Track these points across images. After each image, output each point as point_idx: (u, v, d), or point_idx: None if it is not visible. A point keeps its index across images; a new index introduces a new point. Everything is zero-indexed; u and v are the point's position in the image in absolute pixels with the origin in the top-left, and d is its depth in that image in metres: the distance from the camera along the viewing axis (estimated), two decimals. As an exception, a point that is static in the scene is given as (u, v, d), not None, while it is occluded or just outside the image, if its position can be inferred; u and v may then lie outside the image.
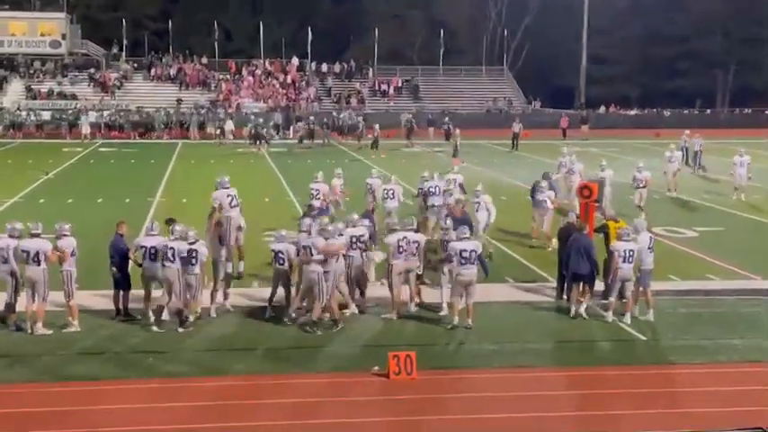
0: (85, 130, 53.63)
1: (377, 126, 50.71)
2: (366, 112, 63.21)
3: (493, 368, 14.02)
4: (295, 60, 72.29)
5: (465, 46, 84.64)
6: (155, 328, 15.46)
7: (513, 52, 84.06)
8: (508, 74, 77.78)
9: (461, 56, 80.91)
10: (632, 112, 74.88)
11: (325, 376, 13.54)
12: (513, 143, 50.26)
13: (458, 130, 46.20)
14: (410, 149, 49.72)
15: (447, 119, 55.12)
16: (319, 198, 22.80)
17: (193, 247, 15.61)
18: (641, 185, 27.16)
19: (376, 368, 13.61)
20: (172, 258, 15.48)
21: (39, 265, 15.38)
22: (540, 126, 62.47)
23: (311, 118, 55.19)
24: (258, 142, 47.95)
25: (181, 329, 15.46)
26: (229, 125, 55.15)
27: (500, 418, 11.98)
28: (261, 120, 52.26)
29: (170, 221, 16.71)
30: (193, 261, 15.58)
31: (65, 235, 15.84)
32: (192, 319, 15.88)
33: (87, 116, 56.00)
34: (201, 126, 56.69)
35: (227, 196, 18.22)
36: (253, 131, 49.07)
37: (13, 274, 15.61)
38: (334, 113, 59.72)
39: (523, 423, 11.68)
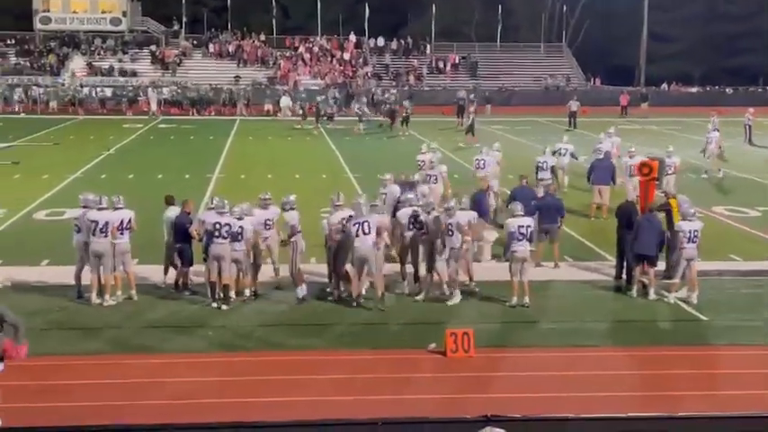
0: (154, 106, 54.77)
1: (406, 102, 48.94)
2: (424, 89, 63.06)
3: (551, 347, 13.95)
4: (352, 37, 72.22)
5: (523, 23, 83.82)
6: (214, 305, 15.62)
7: (572, 29, 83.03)
8: (567, 51, 76.90)
9: (519, 33, 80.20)
10: (693, 90, 73.65)
11: (382, 353, 13.57)
12: (570, 121, 49.52)
13: (472, 108, 45.07)
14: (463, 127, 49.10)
15: (473, 95, 53.46)
16: (425, 170, 23.18)
17: (241, 223, 15.73)
18: (669, 172, 25.22)
19: (433, 345, 13.61)
20: (225, 235, 15.59)
21: (105, 236, 15.63)
22: (599, 103, 61.70)
23: (392, 97, 52.53)
24: (319, 121, 47.03)
25: (224, 307, 15.57)
26: (285, 101, 55.35)
27: (558, 397, 11.91)
28: (322, 97, 51.28)
29: (169, 199, 16.85)
30: (239, 237, 15.69)
31: (118, 207, 16.08)
32: (247, 293, 16.04)
33: (156, 92, 56.76)
34: (249, 102, 56.92)
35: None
36: (314, 109, 48.23)
37: (87, 244, 15.88)
38: (374, 90, 59.15)
39: (582, 402, 11.59)
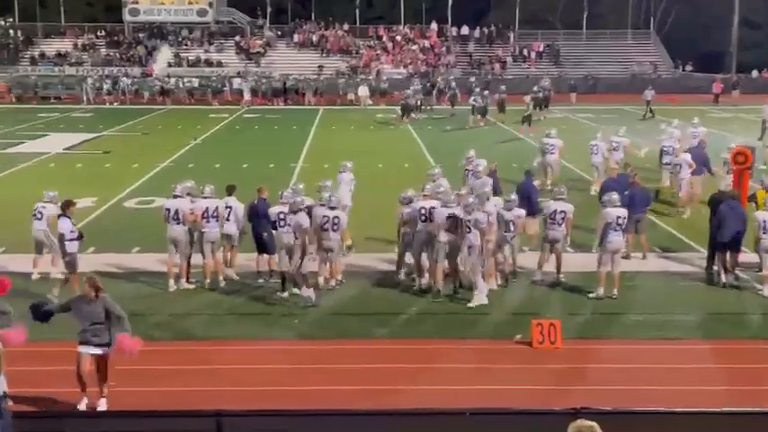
0: (247, 96, 55.62)
1: (484, 91, 46.45)
2: (507, 78, 62.56)
3: (638, 339, 13.72)
4: (435, 26, 72.00)
5: (609, 9, 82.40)
6: (285, 294, 15.74)
7: (661, 15, 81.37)
8: (655, 37, 75.41)
9: (605, 19, 78.83)
10: (787, 77, 71.52)
11: (468, 343, 13.52)
12: (647, 110, 48.02)
13: (527, 98, 43.48)
14: (551, 116, 48.17)
15: (538, 86, 50.57)
16: (554, 153, 23.05)
17: (336, 213, 15.78)
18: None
19: (519, 336, 13.51)
20: (290, 223, 15.67)
21: (178, 224, 15.92)
22: (689, 91, 60.45)
23: (502, 87, 49.19)
24: (406, 115, 45.40)
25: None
26: (364, 91, 55.43)
27: (647, 391, 11.69)
28: (411, 92, 48.48)
29: (230, 188, 16.95)
30: (335, 228, 15.75)
31: (205, 197, 16.38)
32: (333, 283, 16.12)
33: (247, 83, 57.46)
34: (316, 92, 57.39)
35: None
36: (402, 105, 46.52)
37: (189, 231, 16.22)
38: (440, 78, 58.38)
39: (672, 396, 11.35)
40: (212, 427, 7.82)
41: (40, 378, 11.45)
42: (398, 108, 46.88)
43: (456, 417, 8.12)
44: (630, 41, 74.43)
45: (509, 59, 69.11)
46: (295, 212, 15.32)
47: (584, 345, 13.46)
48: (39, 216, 16.67)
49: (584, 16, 73.64)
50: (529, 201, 17.40)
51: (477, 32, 72.61)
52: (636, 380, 12.13)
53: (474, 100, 44.55)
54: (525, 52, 70.22)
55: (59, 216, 15.40)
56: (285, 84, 58.02)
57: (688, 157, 22.62)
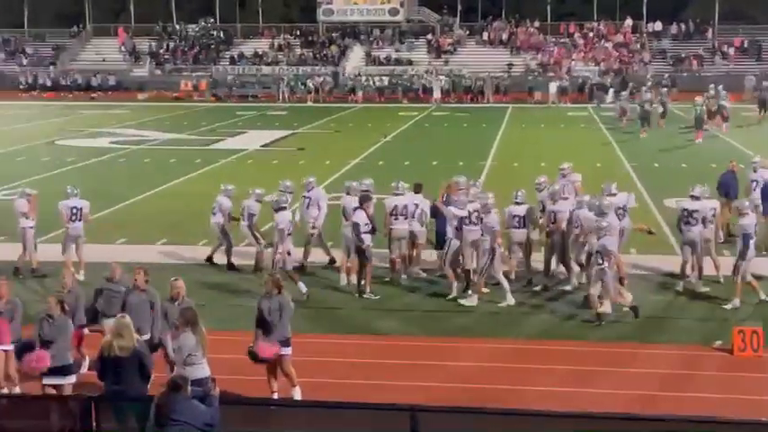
0: (437, 94, 56.21)
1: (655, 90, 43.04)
2: (706, 74, 60.30)
3: None
4: (629, 21, 70.18)
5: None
6: (469, 292, 15.72)
7: None
8: None
9: (813, 12, 74.68)
10: None
11: (665, 348, 13.14)
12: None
13: (701, 99, 38.07)
14: (746, 114, 45.39)
15: (665, 79, 44.94)
16: None
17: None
18: None
19: (718, 342, 13.01)
20: (476, 221, 15.56)
21: (347, 220, 16.37)
22: None
23: (765, 83, 45.16)
24: (646, 124, 38.65)
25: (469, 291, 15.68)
26: (552, 88, 54.68)
27: None
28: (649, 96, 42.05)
29: (417, 186, 17.00)
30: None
31: (395, 194, 16.69)
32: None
33: (440, 81, 57.97)
34: (498, 89, 57.29)
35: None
36: (640, 110, 39.46)
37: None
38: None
39: None
40: (407, 421, 7.90)
41: (237, 365, 11.85)
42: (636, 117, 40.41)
43: (654, 423, 7.89)
44: (842, 35, 70.08)
45: (717, 58, 66.15)
46: (276, 210, 15.55)
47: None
48: (214, 211, 17.68)
49: (791, 10, 69.95)
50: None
51: (673, 28, 70.25)
52: None
53: (724, 99, 40.22)
54: (725, 48, 67.35)
55: (355, 209, 16.02)
56: (460, 81, 58.37)
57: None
